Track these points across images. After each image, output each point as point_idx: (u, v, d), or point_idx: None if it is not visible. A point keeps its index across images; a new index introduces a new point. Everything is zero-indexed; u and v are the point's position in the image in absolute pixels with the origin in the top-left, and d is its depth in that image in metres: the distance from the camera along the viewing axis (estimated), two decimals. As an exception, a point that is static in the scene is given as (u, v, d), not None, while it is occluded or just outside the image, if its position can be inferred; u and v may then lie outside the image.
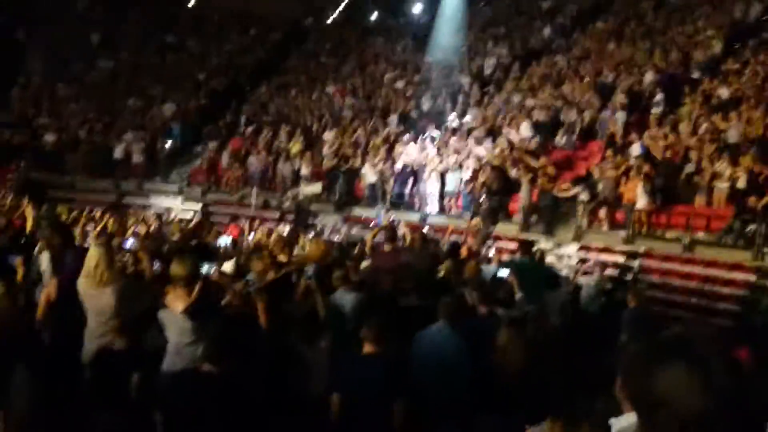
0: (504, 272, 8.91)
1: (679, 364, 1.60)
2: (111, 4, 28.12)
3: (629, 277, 13.07)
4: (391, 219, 14.36)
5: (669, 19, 21.04)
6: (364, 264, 8.55)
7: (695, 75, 17.52)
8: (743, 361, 3.99)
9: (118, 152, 20.97)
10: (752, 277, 12.00)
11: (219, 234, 12.29)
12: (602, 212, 14.49)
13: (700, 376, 1.57)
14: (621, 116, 16.41)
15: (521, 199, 15.16)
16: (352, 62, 25.53)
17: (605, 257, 13.45)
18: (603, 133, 16.55)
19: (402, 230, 11.19)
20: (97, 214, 13.72)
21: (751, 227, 12.26)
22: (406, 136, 18.86)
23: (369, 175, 17.40)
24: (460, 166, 16.61)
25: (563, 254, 13.84)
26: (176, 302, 5.02)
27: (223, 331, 4.49)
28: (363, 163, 17.90)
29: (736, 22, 19.24)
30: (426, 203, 16.82)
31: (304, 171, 18.83)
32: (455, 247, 10.56)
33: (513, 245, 13.03)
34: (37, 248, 7.19)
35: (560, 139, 17.12)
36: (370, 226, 14.03)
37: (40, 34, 28.49)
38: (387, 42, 26.44)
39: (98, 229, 10.43)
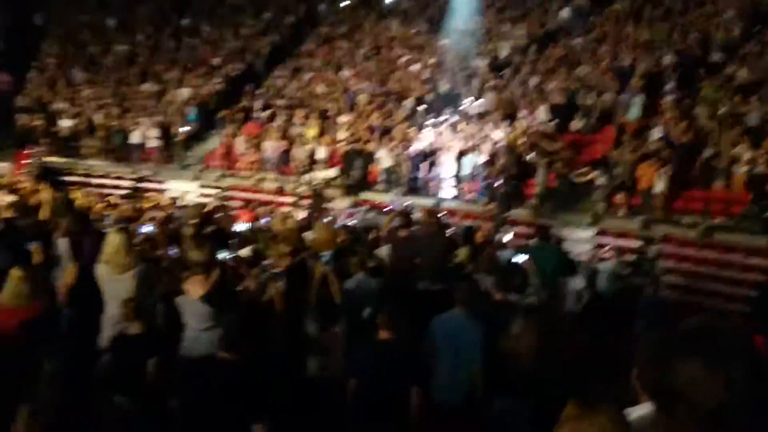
0: (520, 258, 8.87)
1: (699, 358, 1.58)
2: (126, -12, 28.22)
3: (646, 262, 12.98)
4: (406, 204, 14.33)
5: (688, 0, 20.75)
6: (380, 250, 8.56)
7: (714, 58, 17.30)
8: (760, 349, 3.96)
9: (134, 137, 21.06)
10: (771, 263, 11.88)
11: (234, 219, 12.34)
12: (620, 197, 14.38)
13: (721, 371, 1.56)
14: (639, 100, 16.24)
15: (537, 183, 15.07)
16: (368, 45, 25.39)
17: (622, 242, 13.38)
18: (619, 117, 16.40)
19: (417, 215, 11.18)
20: (114, 199, 13.84)
21: (770, 212, 12.14)
22: (422, 120, 18.77)
23: (384, 159, 17.36)
24: (476, 151, 16.53)
25: (580, 239, 13.77)
26: (194, 288, 5.05)
27: (240, 317, 4.51)
28: (378, 147, 17.85)
29: (757, 3, 18.93)
30: (442, 188, 16.78)
31: (320, 155, 18.83)
32: (471, 232, 10.54)
33: (529, 230, 12.98)
34: (55, 234, 7.24)
35: (577, 123, 16.98)
36: (386, 211, 14.00)
37: (57, 19, 28.62)
38: (402, 25, 26.27)
39: (115, 214, 10.51)
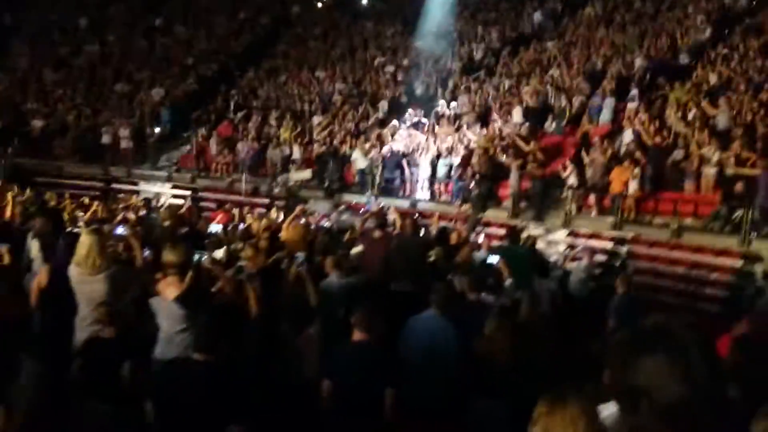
0: (493, 258, 8.96)
1: (658, 355, 1.62)
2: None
3: (617, 262, 13.15)
4: (380, 205, 14.38)
5: (658, 5, 21.08)
6: (355, 250, 8.59)
7: (684, 61, 17.58)
8: (726, 348, 4.06)
9: (106, 138, 20.81)
10: (739, 263, 12.06)
11: (208, 220, 12.26)
12: (591, 198, 14.55)
13: (679, 366, 1.60)
14: (610, 102, 16.45)
15: (511, 185, 15.19)
16: (342, 47, 25.41)
17: (594, 243, 13.52)
18: (592, 120, 16.58)
19: (392, 216, 11.23)
20: (86, 200, 13.67)
21: (738, 213, 12.33)
22: (396, 122, 18.84)
23: (359, 160, 17.37)
24: (450, 152, 16.62)
25: (552, 240, 13.90)
26: (168, 290, 5.02)
27: (214, 318, 4.50)
28: (353, 148, 17.85)
29: (725, 7, 19.29)
30: (416, 189, 16.85)
31: (294, 157, 18.80)
32: (445, 232, 10.61)
33: (502, 231, 13.09)
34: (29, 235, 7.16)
35: (549, 125, 17.15)
36: (360, 212, 14.03)
37: (27, 19, 28.22)
38: (376, 27, 26.32)
39: (88, 215, 10.40)
